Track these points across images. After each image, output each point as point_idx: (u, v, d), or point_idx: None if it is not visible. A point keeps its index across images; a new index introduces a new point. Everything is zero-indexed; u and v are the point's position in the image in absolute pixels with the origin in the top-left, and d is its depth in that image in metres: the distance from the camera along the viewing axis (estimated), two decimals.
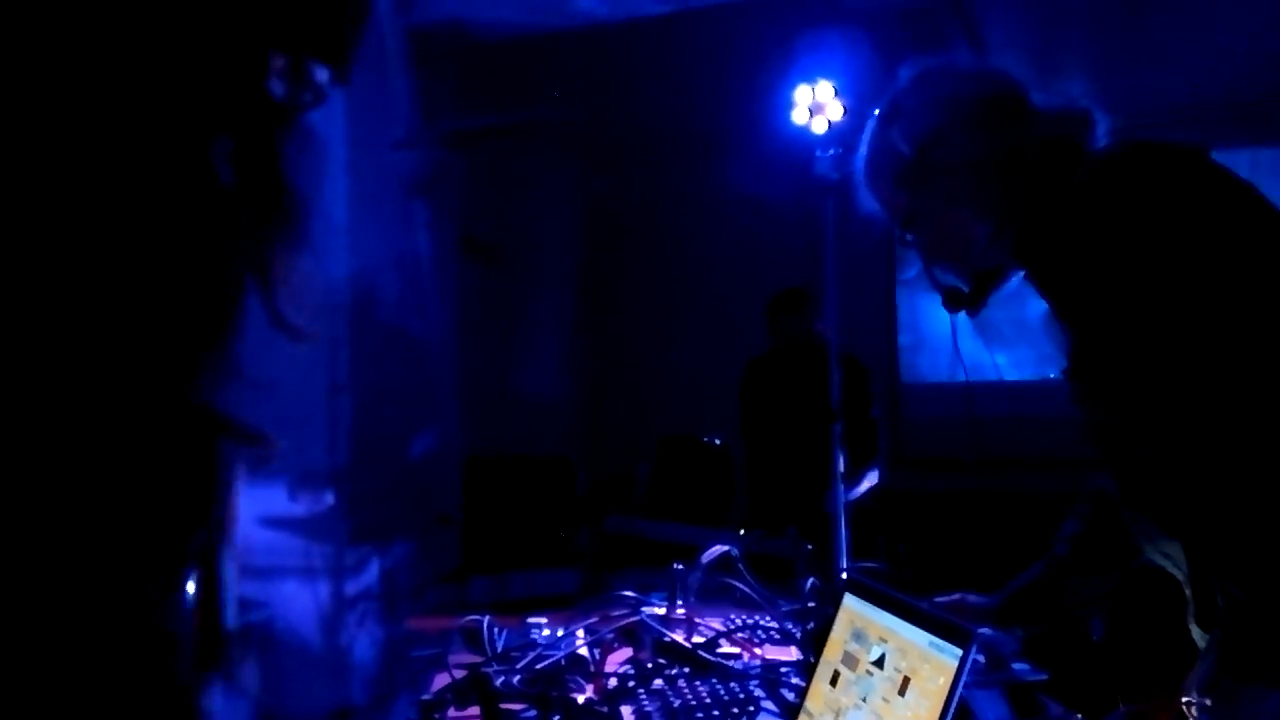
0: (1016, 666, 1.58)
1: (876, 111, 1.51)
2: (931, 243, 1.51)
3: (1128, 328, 1.24)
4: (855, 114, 2.75)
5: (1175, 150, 1.28)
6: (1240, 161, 4.89)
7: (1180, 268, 1.21)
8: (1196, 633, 1.31)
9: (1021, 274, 1.46)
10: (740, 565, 1.99)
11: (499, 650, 1.79)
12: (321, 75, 0.95)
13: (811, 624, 1.77)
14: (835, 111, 2.83)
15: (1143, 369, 1.24)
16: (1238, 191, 1.26)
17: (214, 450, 0.86)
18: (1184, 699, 1.24)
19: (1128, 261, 1.23)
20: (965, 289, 1.52)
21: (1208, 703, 1.22)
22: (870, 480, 3.77)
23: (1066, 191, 1.31)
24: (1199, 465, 1.22)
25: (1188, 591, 1.31)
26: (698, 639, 1.83)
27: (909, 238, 1.52)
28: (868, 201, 1.57)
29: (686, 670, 1.69)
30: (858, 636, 1.32)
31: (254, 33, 0.85)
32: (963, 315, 1.56)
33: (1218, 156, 1.31)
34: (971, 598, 1.73)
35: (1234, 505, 1.21)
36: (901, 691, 1.19)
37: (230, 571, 1.09)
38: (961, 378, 1.65)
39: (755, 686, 1.60)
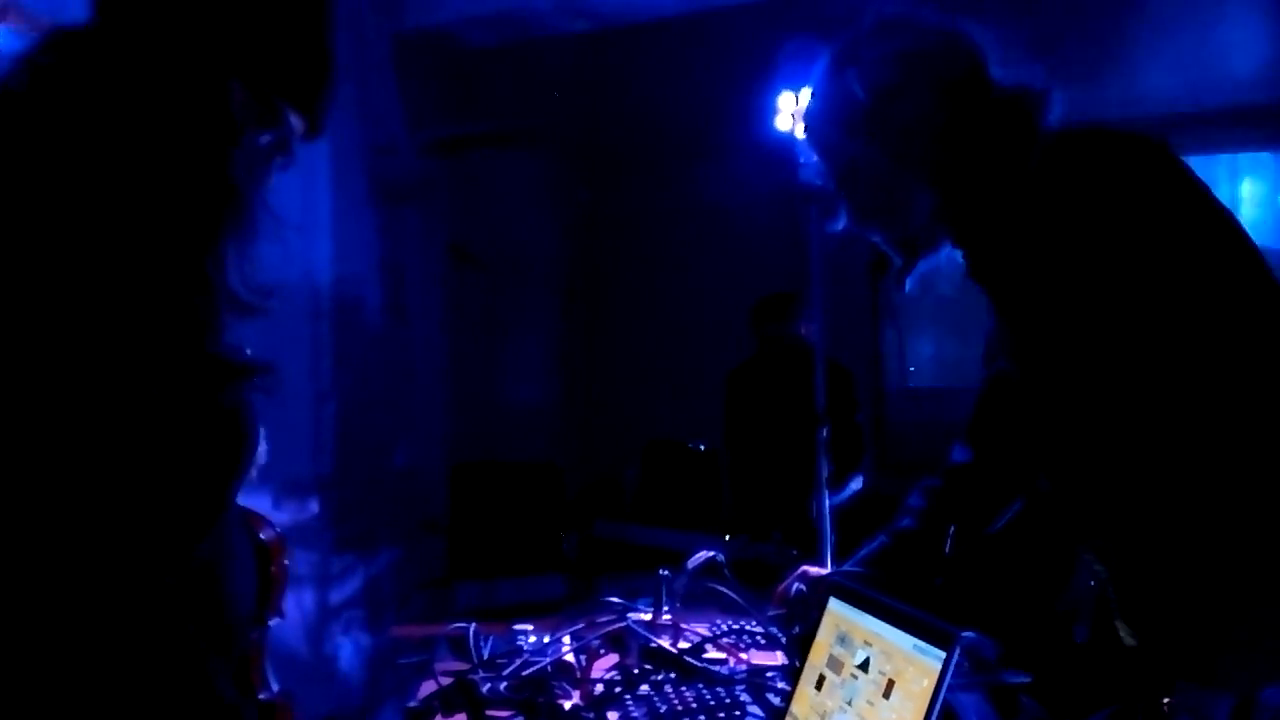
0: (999, 669, 1.58)
1: (832, 53, 1.44)
2: (867, 200, 1.45)
3: (1077, 321, 1.24)
4: None
5: (1135, 139, 1.26)
6: (1220, 167, 4.94)
7: (1132, 260, 1.21)
8: (1124, 630, 1.31)
9: (947, 246, 1.43)
10: (726, 571, 2.00)
11: (485, 657, 1.79)
12: (294, 120, 1.12)
13: (797, 629, 1.77)
14: None
15: (1087, 362, 1.24)
16: (1192, 186, 1.24)
17: (238, 394, 1.02)
18: (1164, 700, 1.25)
19: (1081, 253, 1.22)
20: (891, 255, 1.47)
21: (1176, 702, 1.23)
22: (855, 485, 3.78)
23: (1020, 175, 1.29)
24: (1141, 460, 1.23)
25: (1110, 591, 1.32)
26: (684, 644, 1.84)
27: (842, 191, 1.47)
28: (807, 148, 1.51)
29: (673, 676, 1.69)
30: (842, 640, 1.32)
31: (216, 61, 1.02)
32: (946, 322, 1.56)
33: (1197, 161, 1.30)
34: (810, 569, 1.73)
35: (1171, 498, 1.21)
36: (886, 694, 1.19)
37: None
38: (943, 382, 1.66)
39: (741, 691, 1.60)
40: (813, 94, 1.48)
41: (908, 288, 1.48)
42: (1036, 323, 1.30)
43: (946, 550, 1.58)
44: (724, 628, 1.94)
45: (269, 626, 1.49)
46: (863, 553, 1.65)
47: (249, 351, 1.04)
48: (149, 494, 0.93)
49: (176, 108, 0.98)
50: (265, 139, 1.09)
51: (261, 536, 1.42)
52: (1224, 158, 4.98)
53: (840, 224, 1.50)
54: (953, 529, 1.57)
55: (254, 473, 1.35)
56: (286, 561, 1.56)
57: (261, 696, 1.63)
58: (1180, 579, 1.22)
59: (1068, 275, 1.24)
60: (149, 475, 0.93)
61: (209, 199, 0.99)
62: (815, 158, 1.50)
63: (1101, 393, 1.23)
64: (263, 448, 1.43)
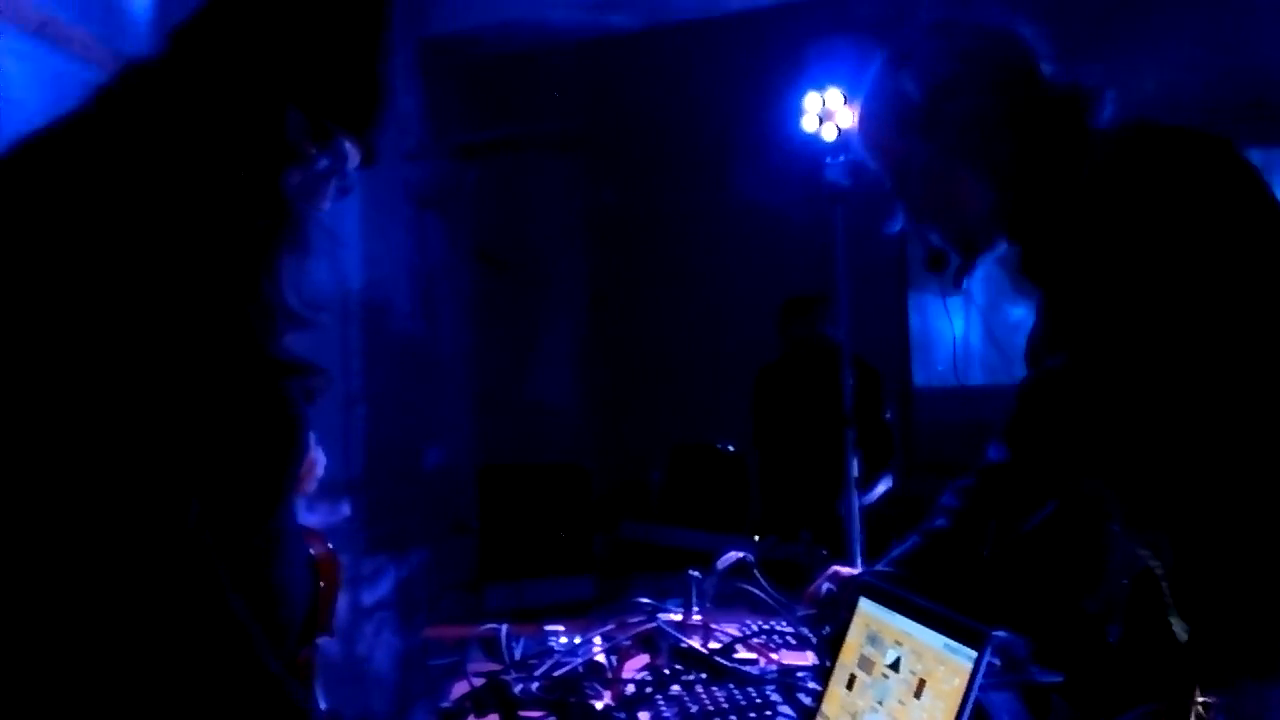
0: (1032, 668, 1.58)
1: (885, 54, 1.45)
2: (924, 198, 1.46)
3: (1143, 314, 1.23)
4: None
5: (1201, 137, 1.26)
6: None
7: (1198, 255, 1.20)
8: (1177, 625, 1.31)
9: (1005, 245, 1.43)
10: (756, 571, 2.00)
11: (517, 658, 1.80)
12: (350, 150, 1.20)
13: (827, 629, 1.77)
14: (845, 118, 2.85)
15: (1153, 354, 1.24)
16: (1257, 185, 1.25)
17: (290, 392, 1.10)
18: (1199, 699, 1.24)
19: (1148, 248, 1.22)
20: (949, 252, 1.47)
21: (1213, 701, 1.22)
22: (883, 485, 3.78)
23: (1077, 170, 1.29)
24: (1206, 450, 1.22)
25: (1165, 585, 1.31)
26: (714, 645, 1.84)
27: (899, 191, 1.47)
28: (862, 149, 1.52)
29: (703, 676, 1.69)
30: (873, 640, 1.32)
31: (274, 89, 1.10)
32: (975, 321, 1.55)
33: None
34: (841, 569, 1.72)
35: (1237, 487, 1.21)
36: (917, 694, 1.19)
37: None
38: (972, 381, 1.65)
39: (772, 691, 1.60)
40: (866, 95, 1.48)
41: (965, 285, 1.48)
42: (1099, 316, 1.29)
43: (986, 551, 1.56)
44: (754, 628, 1.94)
45: (318, 645, 1.47)
46: (895, 552, 1.64)
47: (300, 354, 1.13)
48: (209, 478, 0.99)
49: (237, 136, 1.07)
50: (322, 164, 1.16)
51: (310, 551, 1.40)
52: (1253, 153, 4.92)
53: (898, 225, 1.50)
54: (993, 525, 1.55)
55: (314, 485, 1.42)
56: (337, 579, 1.55)
57: None
58: (1244, 570, 1.21)
59: (1134, 269, 1.23)
60: (209, 461, 0.99)
61: (265, 219, 1.07)
62: (870, 159, 1.50)
63: (1167, 384, 1.22)
64: (323, 461, 1.48)
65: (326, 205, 1.22)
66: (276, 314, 1.07)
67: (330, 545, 1.54)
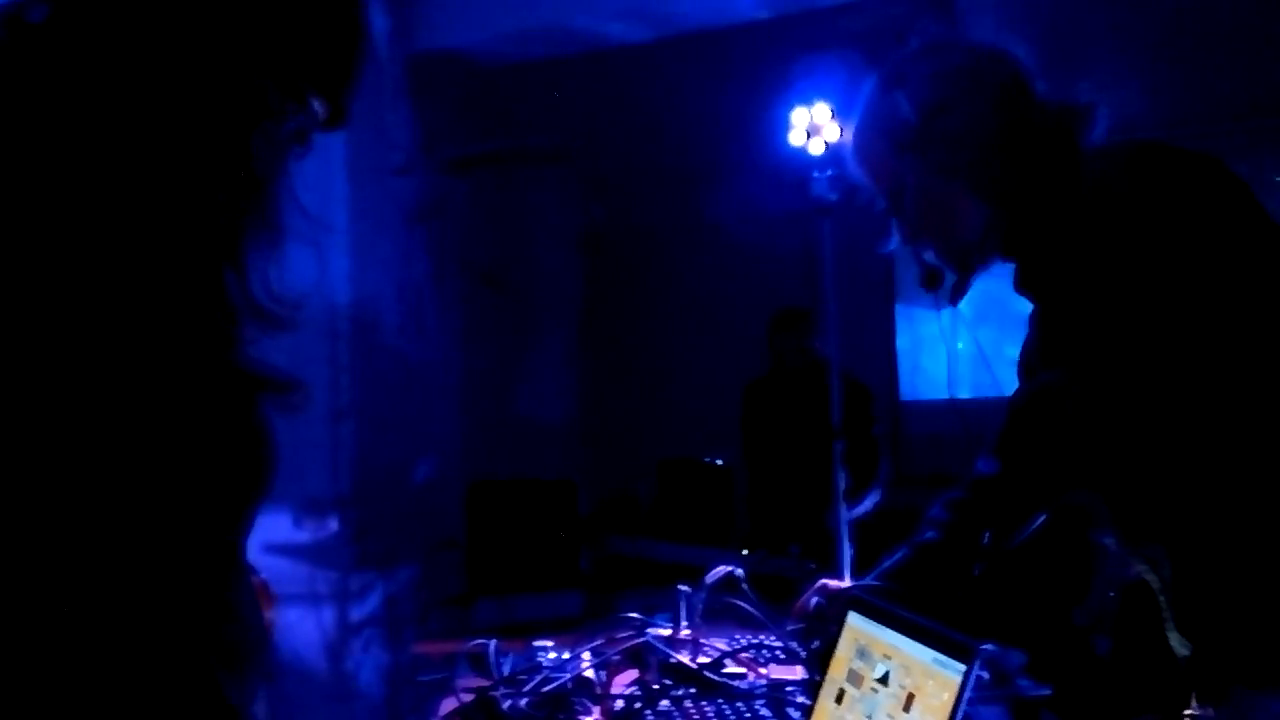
0: (1020, 682, 1.58)
1: (878, 76, 1.47)
2: (918, 216, 1.46)
3: (1134, 333, 1.24)
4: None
5: (1192, 156, 1.28)
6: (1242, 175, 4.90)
7: (1190, 272, 1.21)
8: (1175, 639, 1.31)
9: (998, 261, 1.44)
10: (744, 585, 2.00)
11: (505, 674, 1.79)
12: (318, 108, 1.00)
13: (816, 643, 1.77)
14: (832, 133, 2.86)
15: (1151, 369, 1.24)
16: (1251, 203, 1.26)
17: (257, 406, 0.93)
18: (1193, 711, 1.24)
19: (1140, 263, 1.23)
20: (945, 269, 1.49)
21: (1207, 714, 1.23)
22: (872, 498, 3.78)
23: (1072, 186, 1.31)
24: (1206, 464, 1.23)
25: (1162, 599, 1.31)
26: (703, 659, 1.83)
27: (894, 211, 1.48)
28: (856, 170, 1.53)
29: (693, 691, 1.69)
30: (862, 654, 1.32)
31: (238, 50, 0.89)
32: (965, 334, 1.56)
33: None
34: (829, 583, 1.72)
35: (1230, 507, 1.21)
36: (906, 708, 1.19)
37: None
38: (962, 394, 1.65)
39: (761, 706, 1.60)
40: (860, 116, 1.50)
41: (959, 304, 1.49)
42: (1095, 331, 1.29)
43: (975, 569, 1.56)
44: (743, 642, 1.94)
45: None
46: (884, 565, 1.65)
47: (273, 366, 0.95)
48: (161, 503, 0.84)
49: (191, 87, 0.86)
50: (288, 126, 0.96)
51: None
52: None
53: (892, 244, 1.51)
54: (985, 538, 1.55)
55: (302, 410, 1.27)
56: (269, 613, 1.35)
57: None
58: (1243, 582, 1.21)
59: (1129, 285, 1.24)
60: (165, 496, 0.84)
61: (227, 193, 0.87)
62: (864, 178, 1.52)
63: (1163, 398, 1.23)
64: None
65: (288, 175, 0.98)
66: (243, 312, 0.88)
67: (260, 573, 1.38)
